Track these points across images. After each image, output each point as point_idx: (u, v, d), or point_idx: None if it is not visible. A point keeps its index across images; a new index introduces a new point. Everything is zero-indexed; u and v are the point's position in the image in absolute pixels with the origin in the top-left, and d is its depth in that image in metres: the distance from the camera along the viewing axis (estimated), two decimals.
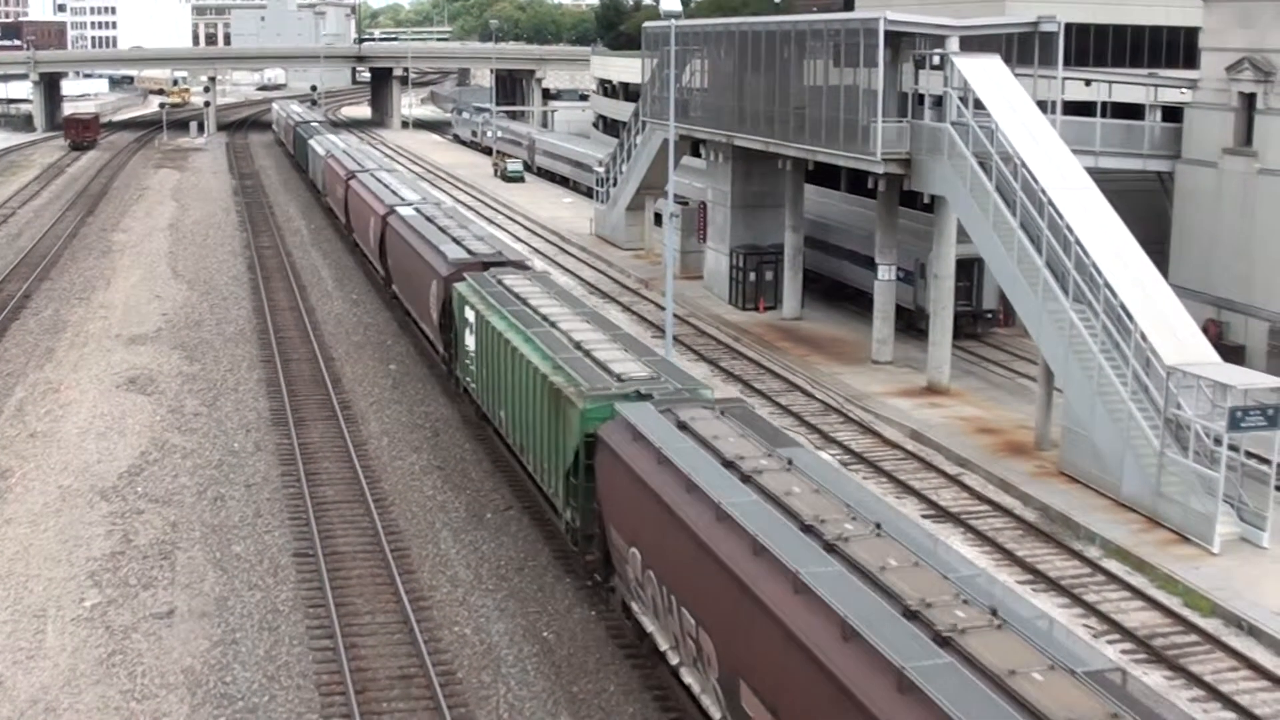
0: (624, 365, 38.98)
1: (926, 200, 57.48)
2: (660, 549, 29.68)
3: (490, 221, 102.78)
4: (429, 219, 66.64)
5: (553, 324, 43.94)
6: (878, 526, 25.83)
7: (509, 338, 43.17)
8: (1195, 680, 33.09)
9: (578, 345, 41.25)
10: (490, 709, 31.27)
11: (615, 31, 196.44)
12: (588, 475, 35.54)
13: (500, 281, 50.59)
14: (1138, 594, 37.92)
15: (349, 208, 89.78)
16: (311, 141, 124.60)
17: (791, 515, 26.63)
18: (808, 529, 25.89)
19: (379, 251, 74.21)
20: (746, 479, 28.91)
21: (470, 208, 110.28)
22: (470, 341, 49.31)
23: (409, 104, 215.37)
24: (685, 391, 37.16)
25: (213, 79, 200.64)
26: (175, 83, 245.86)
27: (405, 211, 70.24)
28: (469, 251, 57.66)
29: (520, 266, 56.26)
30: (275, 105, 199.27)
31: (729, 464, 29.89)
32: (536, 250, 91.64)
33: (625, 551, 32.24)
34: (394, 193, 79.92)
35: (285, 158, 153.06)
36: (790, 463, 29.95)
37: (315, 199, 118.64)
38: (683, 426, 32.71)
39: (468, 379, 50.76)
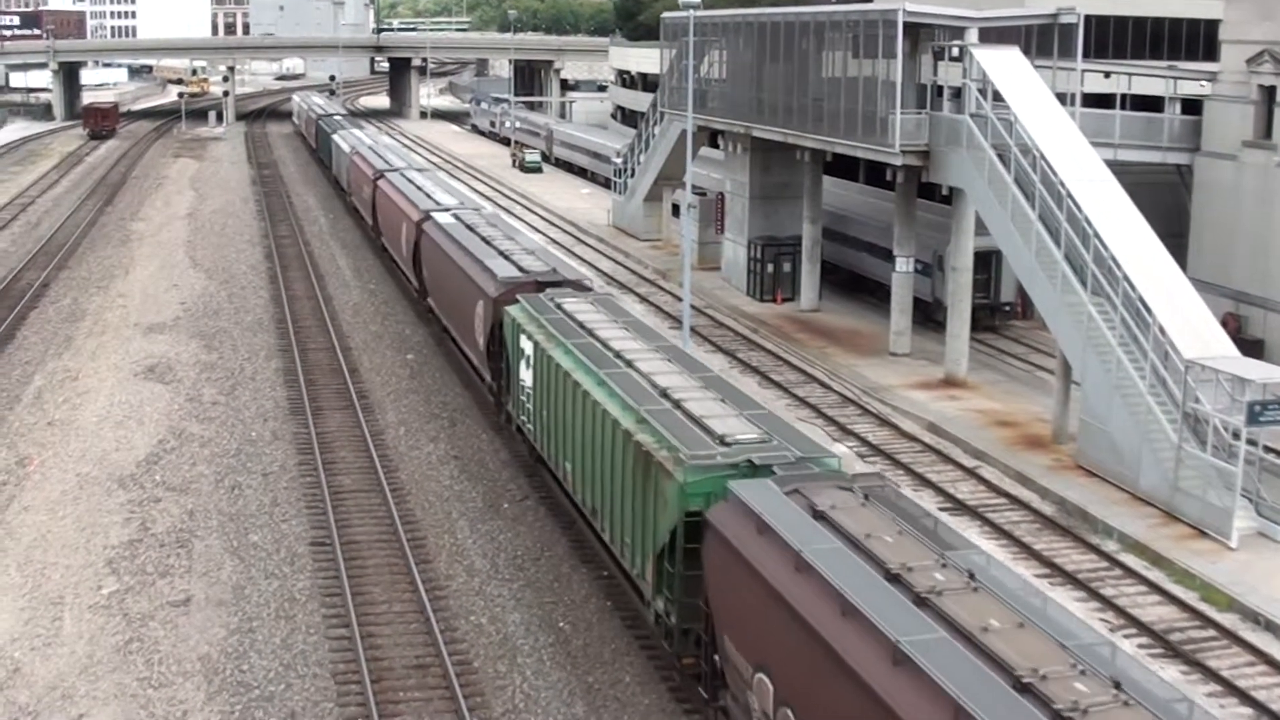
0: (726, 423, 32.27)
1: (945, 192, 57.34)
2: (805, 689, 23.97)
3: (508, 211, 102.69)
4: (470, 228, 60.51)
5: (629, 363, 37.79)
6: (1117, 686, 20.11)
7: (578, 379, 37.53)
8: (1212, 675, 33.04)
9: (665, 393, 34.98)
10: (506, 699, 31.31)
11: (634, 22, 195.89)
12: (688, 562, 29.71)
13: (560, 306, 44.53)
14: (1155, 588, 37.87)
15: (377, 210, 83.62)
16: (335, 137, 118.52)
17: (997, 663, 20.76)
18: (1024, 687, 20.11)
19: (412, 261, 67.86)
20: (923, 602, 22.77)
21: (488, 198, 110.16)
22: (526, 376, 43.37)
23: (427, 94, 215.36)
24: (810, 463, 30.44)
25: (231, 68, 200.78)
26: (194, 72, 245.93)
27: (443, 219, 63.79)
28: (520, 269, 51.27)
29: (580, 287, 49.96)
30: (296, 97, 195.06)
31: (894, 577, 23.64)
32: (554, 241, 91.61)
33: (748, 675, 26.47)
34: (428, 196, 73.30)
35: (305, 149, 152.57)
36: (972, 576, 23.66)
37: (334, 190, 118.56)
38: (820, 516, 26.46)
39: (522, 417, 44.68)
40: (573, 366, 38.39)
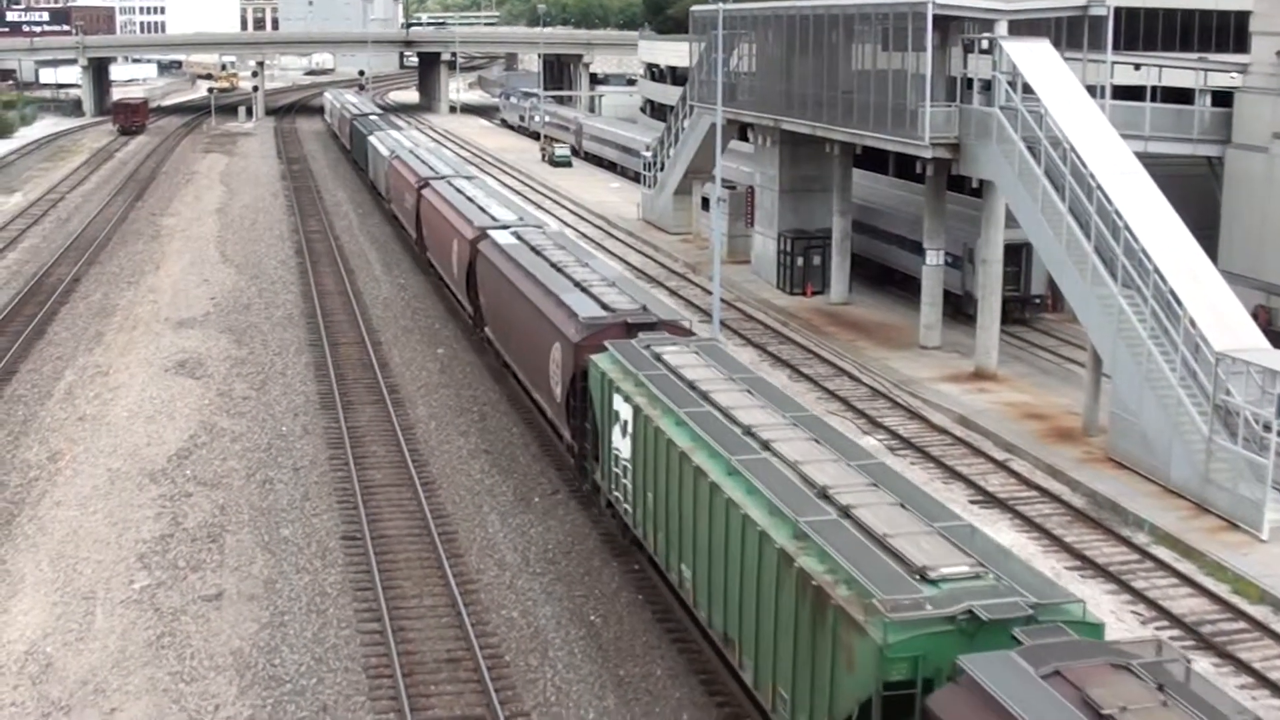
0: (920, 545, 24.65)
1: (975, 185, 57.23)
2: None
3: (538, 206, 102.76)
4: (536, 250, 53.02)
5: (766, 444, 30.47)
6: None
7: (700, 464, 30.26)
8: (1244, 667, 32.96)
9: (825, 494, 27.28)
10: (537, 692, 31.35)
11: (663, 16, 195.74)
12: None
13: (660, 358, 37.50)
14: (1186, 580, 37.78)
15: (422, 222, 76.40)
16: (372, 139, 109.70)
17: None
18: None
19: (465, 284, 60.77)
20: None
21: (517, 191, 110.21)
22: (622, 445, 36.27)
23: (456, 89, 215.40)
24: (1060, 622, 22.36)
25: (261, 64, 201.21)
26: (223, 67, 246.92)
27: (502, 239, 56.20)
28: (605, 306, 43.72)
29: (678, 329, 42.44)
30: (328, 95, 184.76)
31: None
32: (584, 235, 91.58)
33: None
34: (482, 210, 64.78)
35: (336, 148, 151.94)
36: None
37: (364, 185, 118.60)
38: None
39: (616, 493, 37.39)
40: (690, 445, 31.22)
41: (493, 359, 57.47)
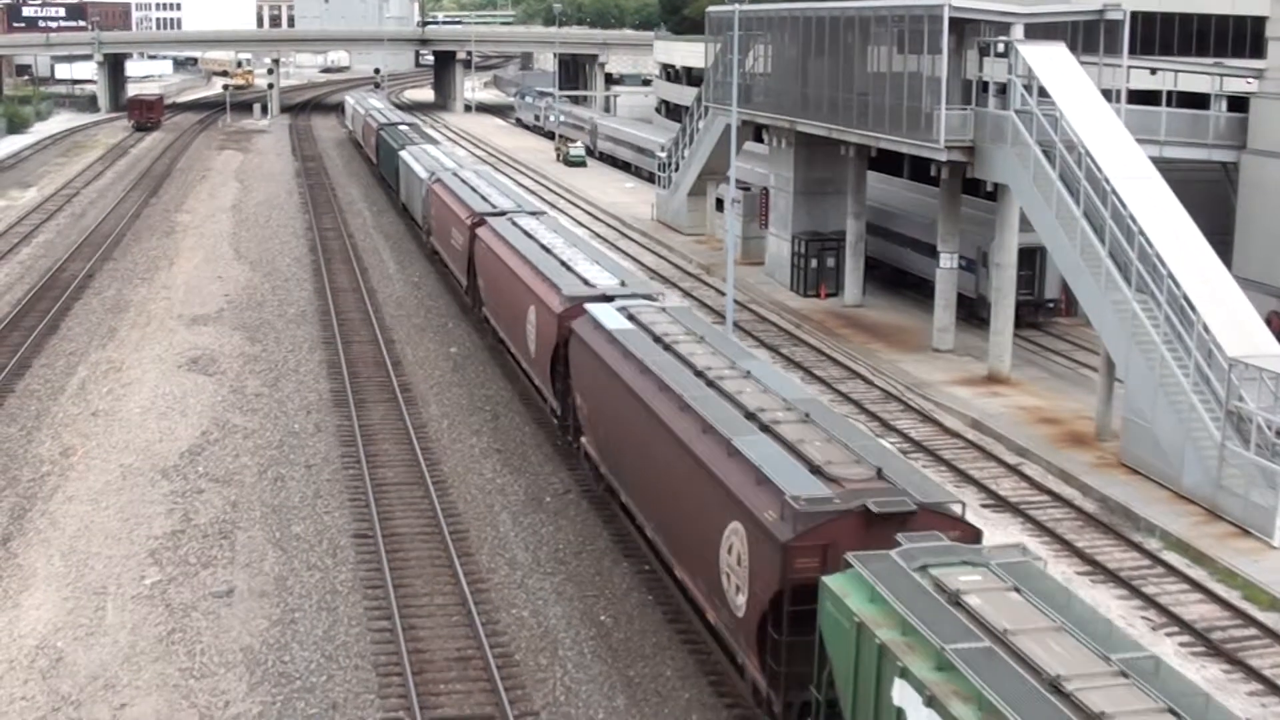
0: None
1: (989, 188, 57.18)
2: None
3: (553, 206, 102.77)
4: (662, 340, 38.85)
5: None
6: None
7: None
8: (1254, 674, 32.90)
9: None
10: (547, 691, 31.36)
11: (679, 16, 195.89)
12: None
13: (959, 600, 23.26)
14: (1197, 586, 37.72)
15: (478, 271, 61.54)
16: (405, 155, 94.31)
17: None
18: None
19: (551, 371, 46.37)
20: None
21: (532, 191, 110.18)
22: None
23: (472, 88, 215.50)
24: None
25: (276, 61, 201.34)
26: (239, 65, 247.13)
27: (608, 317, 41.66)
28: (828, 477, 28.15)
29: (945, 518, 27.28)
30: (349, 99, 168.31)
31: None
32: (599, 236, 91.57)
33: None
34: (567, 265, 50.58)
35: (357, 155, 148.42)
36: None
37: (378, 182, 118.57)
38: None
39: None
40: None
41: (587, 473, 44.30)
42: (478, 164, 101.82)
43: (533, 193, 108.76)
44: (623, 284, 47.81)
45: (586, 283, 47.52)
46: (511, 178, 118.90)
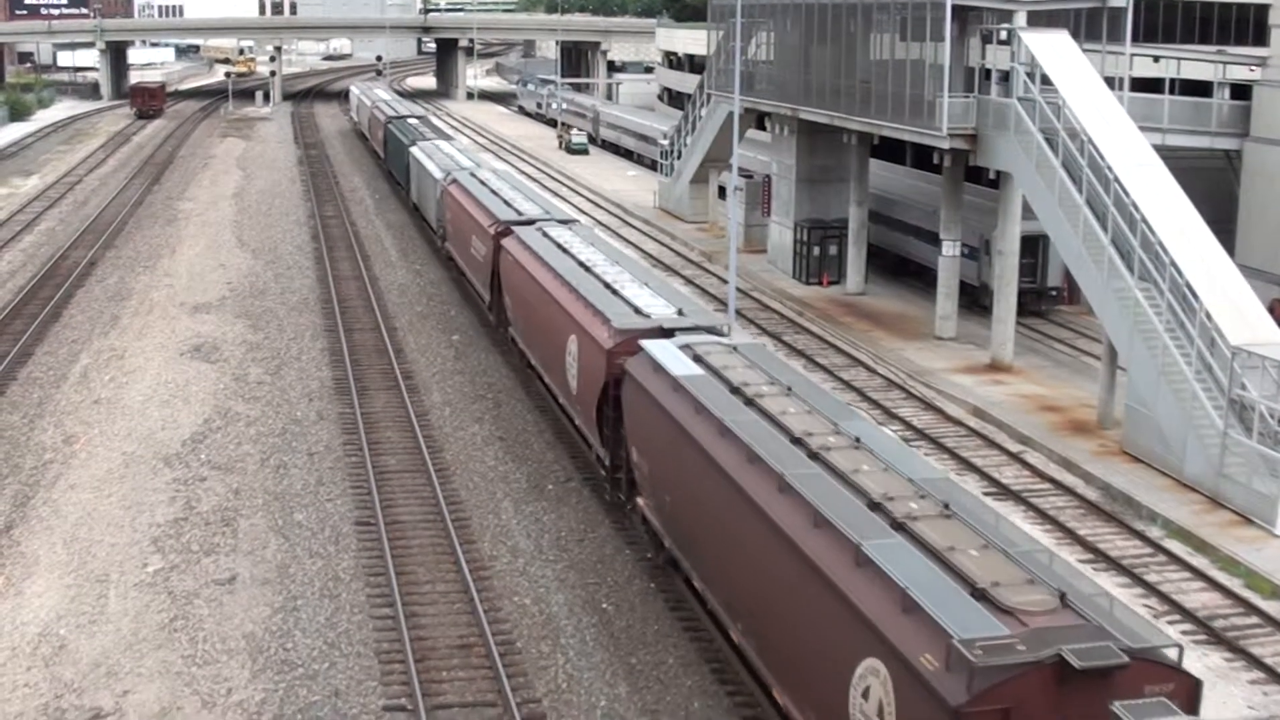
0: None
1: (992, 176, 57.17)
2: None
3: (554, 194, 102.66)
4: (742, 392, 32.17)
5: None
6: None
7: None
8: (1255, 662, 32.89)
9: None
10: (549, 679, 31.36)
11: (681, 3, 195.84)
12: None
13: None
14: (1199, 575, 37.71)
15: (504, 288, 55.58)
16: (416, 151, 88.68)
17: None
18: None
19: (596, 410, 39.98)
20: None
21: (534, 179, 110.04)
22: None
23: (474, 75, 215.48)
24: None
25: (279, 48, 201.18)
26: (241, 52, 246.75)
27: (673, 362, 34.60)
28: (1000, 607, 21.39)
29: (1169, 674, 20.68)
30: (354, 88, 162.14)
31: None
32: (600, 223, 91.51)
33: None
34: (614, 290, 43.35)
35: (356, 139, 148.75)
36: None
37: (380, 170, 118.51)
38: None
39: None
40: None
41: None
42: (503, 166, 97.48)
43: (535, 180, 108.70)
44: (680, 313, 40.79)
45: (638, 311, 40.77)
46: (514, 165, 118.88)
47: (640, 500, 36.60)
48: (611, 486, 40.05)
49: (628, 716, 29.92)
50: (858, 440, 28.96)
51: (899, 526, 24.47)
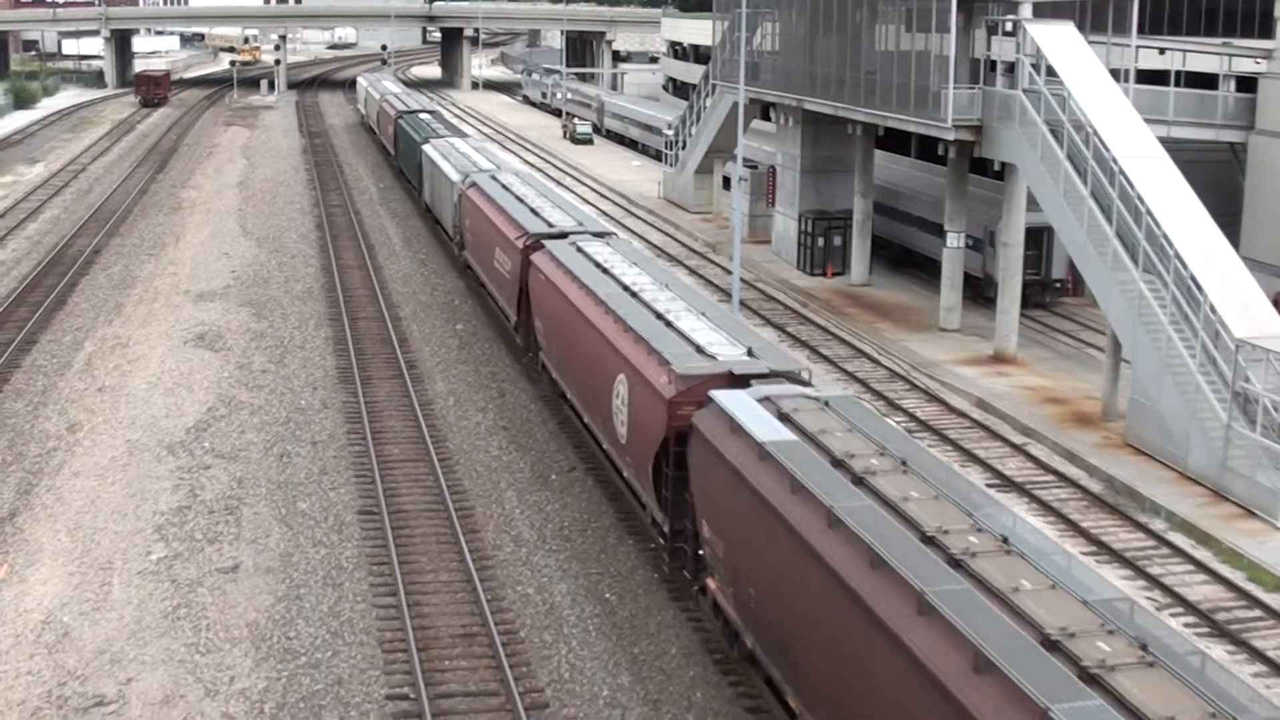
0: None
1: (997, 168, 57.19)
2: None
3: (559, 184, 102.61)
4: (848, 467, 26.48)
5: None
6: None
7: None
8: (1258, 655, 32.91)
9: None
10: (552, 668, 31.38)
11: None
12: None
13: None
14: (1202, 568, 37.70)
15: (535, 308, 49.53)
16: (429, 149, 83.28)
17: None
18: None
19: (654, 467, 34.29)
20: None
21: (539, 169, 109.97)
22: None
23: (479, 65, 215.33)
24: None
25: (283, 37, 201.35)
26: (246, 41, 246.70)
27: (754, 421, 28.99)
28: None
29: None
30: (362, 80, 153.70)
31: None
32: (604, 213, 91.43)
33: None
34: (668, 321, 37.64)
35: (363, 131, 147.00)
36: None
37: (385, 159, 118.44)
38: None
39: None
40: None
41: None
42: (524, 168, 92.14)
43: (540, 170, 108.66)
44: (751, 353, 34.69)
45: (701, 351, 34.85)
46: (519, 155, 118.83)
47: (711, 584, 31.10)
48: (670, 557, 34.56)
49: (630, 706, 29.96)
50: (1005, 541, 22.84)
51: (1090, 678, 18.44)
